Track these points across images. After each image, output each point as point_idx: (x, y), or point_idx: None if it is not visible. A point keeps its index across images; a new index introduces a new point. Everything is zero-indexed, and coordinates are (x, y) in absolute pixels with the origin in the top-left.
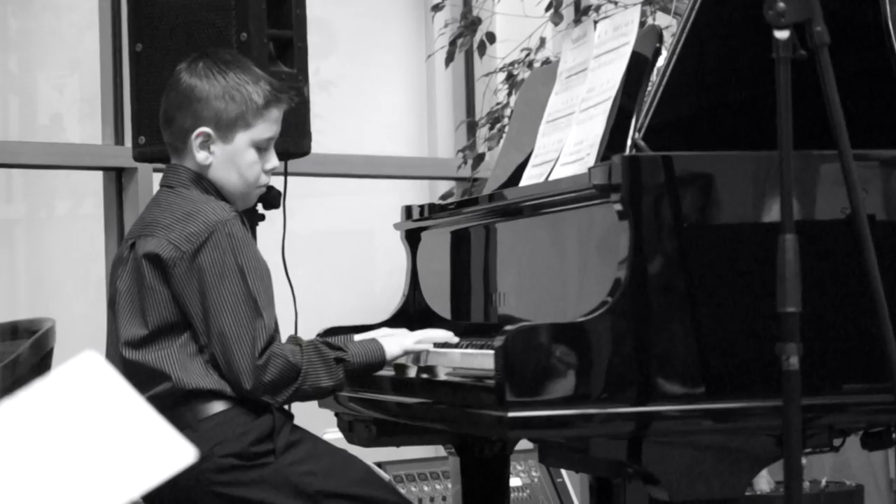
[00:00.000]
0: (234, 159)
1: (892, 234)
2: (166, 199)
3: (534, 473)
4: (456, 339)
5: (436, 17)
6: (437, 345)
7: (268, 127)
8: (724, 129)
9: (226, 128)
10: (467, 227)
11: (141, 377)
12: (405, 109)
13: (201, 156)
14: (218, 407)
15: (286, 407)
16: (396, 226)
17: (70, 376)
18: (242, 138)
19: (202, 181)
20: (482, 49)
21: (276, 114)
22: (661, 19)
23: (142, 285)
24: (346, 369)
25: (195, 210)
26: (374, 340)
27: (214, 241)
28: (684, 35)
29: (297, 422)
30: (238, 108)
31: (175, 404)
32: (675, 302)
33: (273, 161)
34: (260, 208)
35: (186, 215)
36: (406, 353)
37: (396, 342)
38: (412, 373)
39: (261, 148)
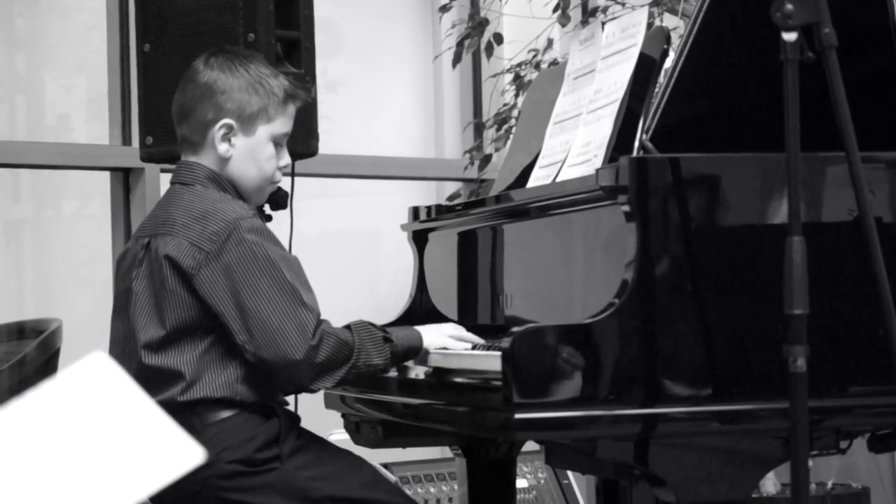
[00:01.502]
0: (255, 152)
1: None
2: (180, 196)
3: (540, 475)
4: (481, 341)
5: (443, 18)
6: (446, 346)
7: (286, 122)
8: (731, 130)
9: (248, 120)
10: (474, 228)
11: (154, 380)
12: (412, 110)
13: (223, 148)
14: (224, 413)
15: (292, 408)
16: (403, 227)
17: (78, 377)
18: (263, 131)
19: (218, 178)
20: (489, 50)
21: (292, 109)
22: (669, 21)
23: (162, 286)
24: (391, 350)
25: (213, 209)
26: (409, 327)
27: (237, 238)
28: (692, 37)
29: (303, 423)
30: (261, 101)
31: (182, 409)
32: (682, 304)
33: (286, 158)
34: (267, 209)
35: (204, 214)
36: (443, 347)
37: (433, 333)
38: (419, 374)
39: (277, 143)
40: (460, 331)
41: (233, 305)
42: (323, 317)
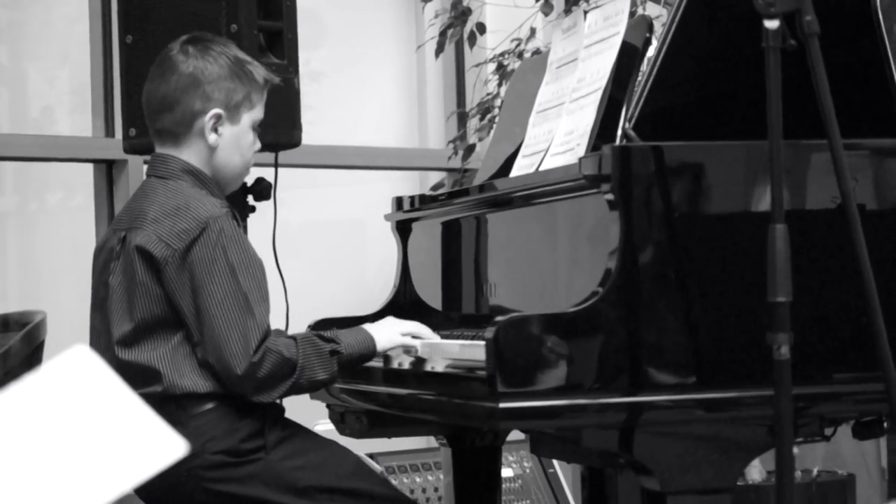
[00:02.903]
0: (240, 140)
1: (882, 223)
2: (154, 189)
3: (525, 464)
4: (437, 338)
5: (426, 8)
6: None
7: (262, 108)
8: (714, 119)
9: (234, 108)
10: (458, 217)
11: (133, 376)
12: (395, 100)
13: (212, 138)
14: (208, 404)
15: (278, 400)
16: (387, 217)
17: (60, 371)
18: (247, 118)
19: (194, 172)
20: (472, 40)
21: (265, 95)
22: (651, 9)
23: (132, 280)
24: (339, 361)
25: (186, 205)
26: (363, 330)
27: (206, 238)
28: (674, 25)
29: (288, 414)
30: (245, 88)
31: (165, 401)
32: (666, 292)
33: (258, 143)
34: (251, 200)
35: (176, 210)
36: (395, 346)
37: (386, 334)
38: (404, 364)
39: (255, 129)
40: (418, 328)
41: (192, 304)
42: (304, 323)
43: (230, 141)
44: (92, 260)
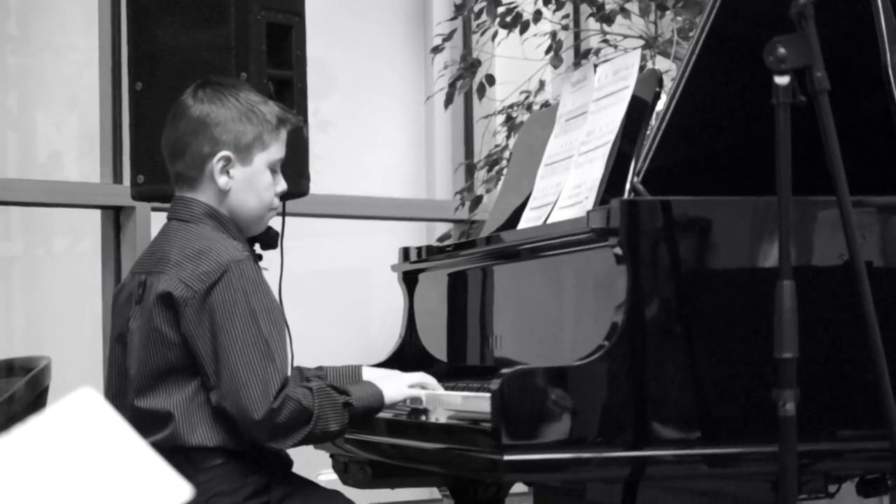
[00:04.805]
0: (253, 182)
1: (890, 280)
2: (175, 232)
3: None
4: (441, 389)
5: (435, 59)
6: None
7: (280, 148)
8: (722, 173)
9: (245, 150)
10: (464, 269)
11: (145, 422)
12: (404, 151)
13: (222, 180)
14: (216, 459)
15: (288, 450)
16: (394, 267)
17: (66, 412)
18: (260, 160)
19: (216, 215)
20: (481, 91)
21: (284, 134)
22: (661, 63)
23: (150, 325)
24: (350, 413)
25: (207, 248)
26: (371, 384)
27: (227, 281)
28: (684, 79)
29: (293, 462)
30: (255, 130)
31: (174, 453)
32: (672, 347)
33: (283, 183)
34: (258, 248)
35: (198, 253)
36: (403, 398)
37: (394, 387)
38: (408, 415)
39: (273, 170)
40: (424, 378)
41: (210, 348)
42: (313, 364)
43: (243, 183)
44: (112, 301)
